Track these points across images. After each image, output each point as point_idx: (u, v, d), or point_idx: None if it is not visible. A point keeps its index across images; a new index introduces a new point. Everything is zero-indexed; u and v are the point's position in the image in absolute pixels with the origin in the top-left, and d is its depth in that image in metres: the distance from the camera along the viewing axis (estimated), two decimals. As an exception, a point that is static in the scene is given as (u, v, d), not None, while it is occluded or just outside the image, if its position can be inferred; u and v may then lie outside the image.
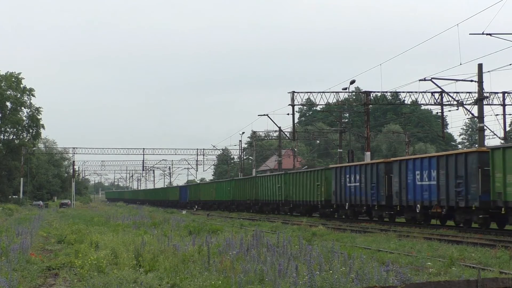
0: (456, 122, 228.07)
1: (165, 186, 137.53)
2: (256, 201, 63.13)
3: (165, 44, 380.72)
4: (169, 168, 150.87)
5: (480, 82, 44.28)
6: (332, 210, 46.20)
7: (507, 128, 73.91)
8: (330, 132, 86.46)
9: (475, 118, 52.67)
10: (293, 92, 52.91)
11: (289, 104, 53.32)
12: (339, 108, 77.17)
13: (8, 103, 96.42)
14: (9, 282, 12.92)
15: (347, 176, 42.49)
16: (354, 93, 59.73)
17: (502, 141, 56.46)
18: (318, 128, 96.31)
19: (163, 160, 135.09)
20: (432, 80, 48.33)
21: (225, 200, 75.78)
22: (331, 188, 44.73)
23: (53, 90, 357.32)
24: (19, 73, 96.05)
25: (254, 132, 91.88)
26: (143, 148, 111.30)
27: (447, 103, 52.68)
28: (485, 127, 46.37)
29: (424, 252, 20.56)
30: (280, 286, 11.70)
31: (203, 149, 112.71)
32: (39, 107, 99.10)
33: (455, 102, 51.71)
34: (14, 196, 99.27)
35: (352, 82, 55.67)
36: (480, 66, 43.91)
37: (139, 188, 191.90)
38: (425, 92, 52.11)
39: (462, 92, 51.53)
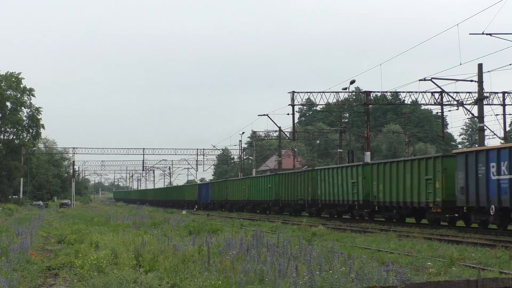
0: (456, 122, 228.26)
1: (182, 184, 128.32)
2: (314, 202, 49.40)
3: (166, 45, 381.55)
4: (169, 168, 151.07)
5: (480, 82, 44.29)
6: (457, 216, 32.88)
7: (507, 128, 73.92)
8: (330, 132, 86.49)
9: (475, 118, 52.65)
10: (293, 92, 52.89)
11: (289, 104, 53.33)
12: (339, 108, 77.17)
13: (8, 103, 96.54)
14: (9, 282, 12.90)
15: (492, 164, 28.77)
16: (354, 93, 59.72)
17: (502, 141, 56.45)
18: (318, 128, 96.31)
19: (163, 160, 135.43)
20: (432, 80, 48.35)
21: (264, 200, 61.71)
22: (456, 183, 31.62)
23: (53, 90, 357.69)
24: (19, 73, 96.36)
25: (254, 132, 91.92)
26: (143, 148, 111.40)
27: (447, 103, 52.72)
28: (485, 127, 46.36)
29: (424, 252, 20.56)
30: (280, 286, 11.69)
31: (203, 149, 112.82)
32: (39, 107, 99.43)
33: (455, 102, 51.73)
34: (14, 196, 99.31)
35: (352, 82, 55.70)
36: (480, 66, 43.94)
37: (139, 188, 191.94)
38: (425, 92, 52.14)
39: (462, 92, 51.60)
